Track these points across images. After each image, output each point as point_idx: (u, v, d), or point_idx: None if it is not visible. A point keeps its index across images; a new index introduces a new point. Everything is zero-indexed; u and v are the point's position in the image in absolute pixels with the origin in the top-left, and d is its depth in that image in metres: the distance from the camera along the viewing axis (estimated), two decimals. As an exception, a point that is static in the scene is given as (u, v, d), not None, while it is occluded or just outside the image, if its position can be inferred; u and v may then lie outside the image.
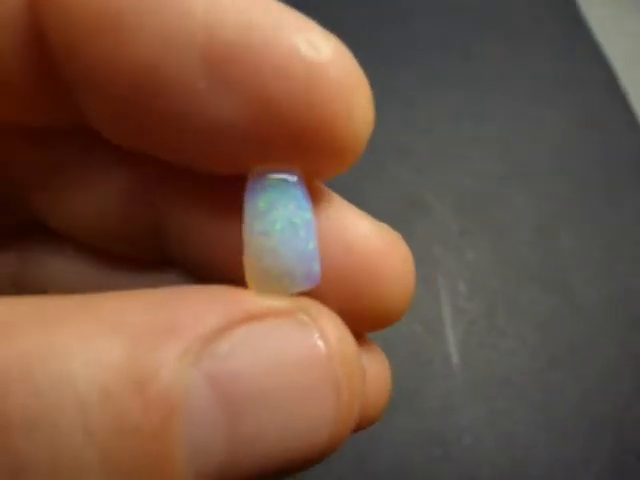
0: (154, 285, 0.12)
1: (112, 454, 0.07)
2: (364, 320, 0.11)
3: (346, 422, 0.09)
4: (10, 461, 0.07)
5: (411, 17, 0.42)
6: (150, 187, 0.12)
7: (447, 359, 0.29)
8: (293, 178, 0.10)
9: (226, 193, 0.11)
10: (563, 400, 0.29)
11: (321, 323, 0.09)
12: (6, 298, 0.08)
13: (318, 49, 0.09)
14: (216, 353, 0.08)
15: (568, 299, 0.31)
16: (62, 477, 0.07)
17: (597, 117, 0.38)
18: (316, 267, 0.10)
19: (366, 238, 0.11)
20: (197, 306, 0.08)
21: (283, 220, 0.10)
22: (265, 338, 0.08)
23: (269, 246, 0.10)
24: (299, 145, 0.09)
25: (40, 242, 0.14)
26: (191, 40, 0.08)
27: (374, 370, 0.12)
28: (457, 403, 0.28)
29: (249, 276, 0.10)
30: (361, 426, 0.12)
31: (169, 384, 0.08)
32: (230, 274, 0.11)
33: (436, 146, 0.36)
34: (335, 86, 0.09)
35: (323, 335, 0.09)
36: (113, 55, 0.09)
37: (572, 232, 0.33)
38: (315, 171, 0.10)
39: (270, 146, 0.09)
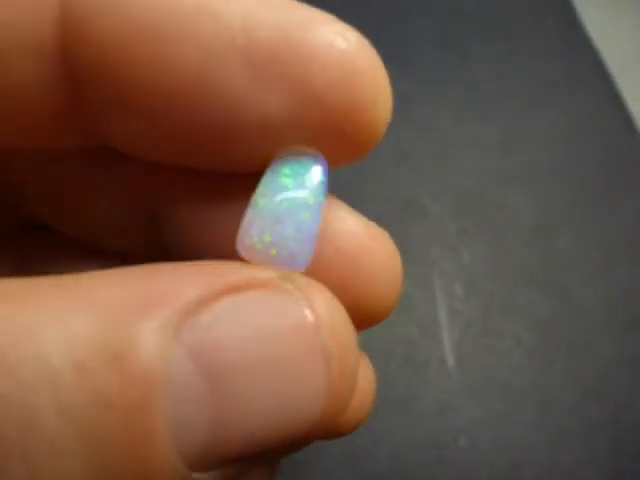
0: None
1: (89, 433, 0.07)
2: (350, 316, 0.11)
3: (338, 398, 0.09)
4: None
5: (410, 18, 0.42)
6: (152, 186, 0.12)
7: (443, 361, 0.29)
8: (319, 161, 0.10)
9: (225, 192, 0.11)
10: (560, 402, 0.28)
11: (308, 292, 0.09)
12: None
13: (348, 40, 0.09)
14: (198, 324, 0.08)
15: (565, 300, 0.31)
16: (35, 458, 0.07)
17: (595, 118, 0.38)
18: (306, 252, 0.10)
19: (353, 234, 0.11)
20: (177, 279, 0.08)
21: (293, 191, 0.10)
22: (249, 308, 0.08)
23: (272, 211, 0.09)
24: (332, 129, 0.09)
25: (37, 240, 0.14)
26: (232, 45, 0.09)
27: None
28: (453, 405, 0.28)
29: (239, 238, 0.10)
30: (346, 430, 0.12)
31: (148, 357, 0.07)
32: None
33: (434, 147, 0.36)
34: (365, 73, 0.09)
35: (310, 304, 0.08)
36: (152, 72, 0.09)
37: (570, 233, 0.33)
38: (338, 156, 0.10)
39: (307, 133, 0.09)
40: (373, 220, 0.35)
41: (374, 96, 0.10)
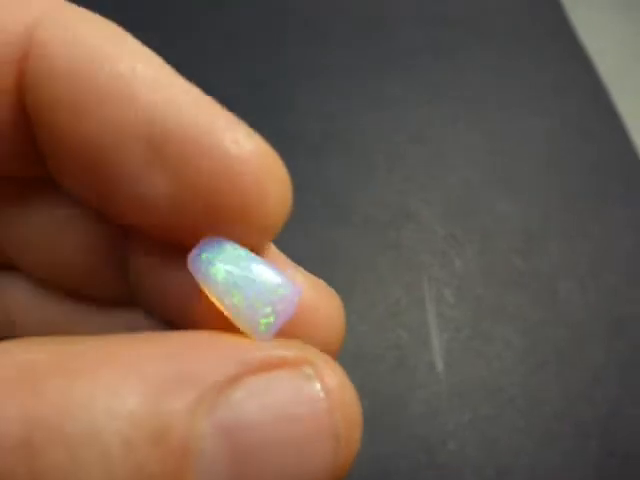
0: (121, 323, 0.14)
1: None
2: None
3: (343, 468, 0.10)
4: None
5: (400, 26, 0.42)
6: (113, 237, 0.13)
7: (433, 365, 0.29)
8: (221, 242, 0.11)
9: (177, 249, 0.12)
10: (548, 405, 0.29)
11: (324, 375, 0.10)
12: (21, 341, 0.08)
13: (241, 146, 0.10)
14: (227, 403, 0.09)
15: (554, 305, 0.31)
16: None
17: (585, 124, 0.38)
18: (287, 289, 0.11)
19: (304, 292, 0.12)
20: (211, 355, 0.09)
21: (229, 263, 0.11)
22: (273, 389, 0.09)
23: (244, 302, 0.10)
24: (219, 221, 0.11)
25: (9, 279, 0.15)
26: (137, 129, 0.10)
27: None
28: (442, 409, 0.28)
29: (236, 321, 0.10)
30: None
31: (184, 433, 0.08)
32: (188, 318, 0.12)
33: (424, 153, 0.36)
34: (251, 176, 0.10)
35: (325, 388, 0.09)
36: (73, 132, 0.10)
37: (559, 239, 0.34)
38: (239, 240, 0.11)
39: (193, 219, 0.11)
40: (365, 224, 0.35)
41: (261, 196, 0.10)
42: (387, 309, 0.31)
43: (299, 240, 0.32)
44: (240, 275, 0.10)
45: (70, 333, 0.14)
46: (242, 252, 0.11)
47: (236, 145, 0.10)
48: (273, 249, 0.12)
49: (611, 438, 0.28)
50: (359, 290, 0.30)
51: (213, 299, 0.11)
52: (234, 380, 0.09)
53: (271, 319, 0.10)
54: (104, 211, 0.12)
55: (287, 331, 0.11)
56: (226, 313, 0.11)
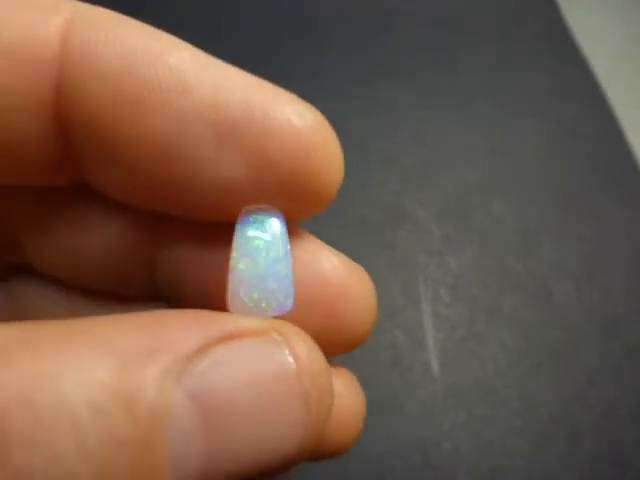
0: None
1: (103, 467, 0.08)
2: (333, 343, 0.13)
3: (315, 432, 0.10)
4: (8, 476, 0.08)
5: (399, 28, 0.42)
6: (141, 232, 0.13)
7: (428, 365, 0.29)
8: (277, 216, 0.11)
9: (213, 233, 0.13)
10: (543, 407, 0.29)
11: (292, 341, 0.10)
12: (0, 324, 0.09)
13: (304, 118, 0.11)
14: (196, 371, 0.09)
15: (550, 306, 0.31)
16: None
17: (581, 126, 0.38)
18: (290, 295, 0.11)
19: (336, 271, 0.13)
20: (178, 328, 0.09)
21: (265, 250, 0.11)
22: (240, 356, 0.09)
23: (253, 272, 0.11)
24: (287, 193, 0.11)
25: (28, 282, 0.15)
26: (201, 119, 0.10)
27: (346, 397, 0.13)
28: (437, 409, 0.28)
29: (230, 300, 0.11)
30: (334, 453, 0.14)
31: (154, 401, 0.08)
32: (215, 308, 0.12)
33: (421, 154, 0.36)
34: (317, 148, 0.11)
35: (293, 352, 0.10)
36: (132, 136, 0.10)
37: (554, 240, 0.34)
38: (295, 213, 0.12)
39: (264, 195, 0.11)
40: (361, 224, 0.35)
41: (324, 167, 0.11)
42: (383, 309, 0.30)
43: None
44: (265, 264, 0.11)
45: None
46: (281, 242, 0.11)
47: (299, 117, 0.11)
48: (311, 237, 0.13)
49: (606, 440, 0.28)
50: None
51: (231, 258, 0.11)
52: (201, 350, 0.09)
53: (255, 309, 0.11)
54: (153, 207, 0.12)
55: (323, 309, 0.12)
56: (228, 279, 0.11)
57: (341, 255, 0.13)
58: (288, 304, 0.11)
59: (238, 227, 0.11)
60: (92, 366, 0.08)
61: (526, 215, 0.34)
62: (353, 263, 0.13)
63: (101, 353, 0.08)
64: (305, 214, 0.12)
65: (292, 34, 0.41)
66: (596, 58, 0.41)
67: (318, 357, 0.10)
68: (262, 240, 0.11)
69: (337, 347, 0.13)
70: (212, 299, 0.12)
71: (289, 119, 0.11)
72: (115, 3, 0.12)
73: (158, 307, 0.15)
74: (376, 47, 0.41)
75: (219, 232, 0.12)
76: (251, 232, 0.11)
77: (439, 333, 0.30)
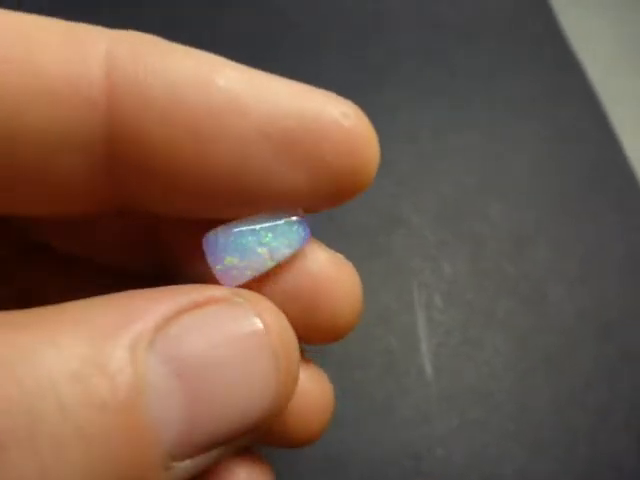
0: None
1: (85, 427, 0.08)
2: (317, 333, 0.13)
3: (286, 385, 0.11)
4: None
5: (396, 31, 0.42)
6: (155, 225, 0.14)
7: (422, 370, 0.29)
8: (298, 220, 0.12)
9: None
10: (538, 411, 0.29)
11: (258, 305, 0.11)
12: None
13: (349, 117, 0.11)
14: (167, 337, 0.09)
15: (544, 311, 0.31)
16: (42, 450, 0.08)
17: (577, 129, 0.38)
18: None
19: (323, 265, 0.13)
20: (149, 300, 0.10)
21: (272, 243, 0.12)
22: (209, 320, 0.10)
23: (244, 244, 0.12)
24: (336, 188, 0.12)
25: (40, 260, 0.16)
26: (261, 136, 0.10)
27: (314, 386, 0.14)
28: (431, 414, 0.28)
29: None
30: (302, 441, 0.14)
31: (128, 366, 0.09)
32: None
33: (416, 158, 0.36)
34: (364, 143, 0.11)
35: (259, 314, 0.10)
36: (190, 162, 0.10)
37: (549, 244, 0.34)
38: (330, 203, 0.12)
39: (319, 194, 0.12)
40: (355, 229, 0.35)
41: (370, 159, 0.12)
42: (377, 314, 0.30)
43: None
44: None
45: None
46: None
47: (345, 117, 0.11)
48: None
49: (600, 444, 0.28)
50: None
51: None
52: (170, 318, 0.10)
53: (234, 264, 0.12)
54: (193, 216, 0.12)
55: (308, 301, 0.12)
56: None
57: (326, 249, 0.13)
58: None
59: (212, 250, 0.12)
60: (68, 341, 0.09)
61: (521, 220, 0.34)
62: (339, 256, 0.13)
63: (75, 329, 0.09)
64: (338, 203, 0.12)
65: (291, 35, 0.41)
66: (592, 62, 0.41)
67: (281, 317, 0.11)
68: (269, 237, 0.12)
69: (321, 337, 0.13)
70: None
71: (337, 120, 0.11)
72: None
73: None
74: (373, 50, 0.41)
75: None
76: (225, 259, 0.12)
77: (433, 338, 0.30)
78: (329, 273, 0.13)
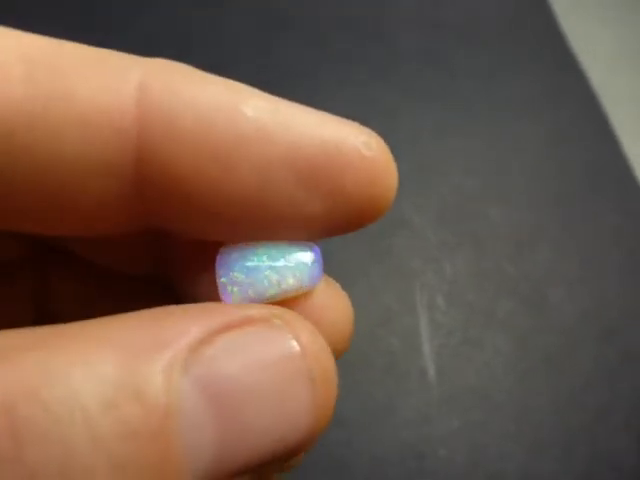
0: (142, 292, 0.15)
1: (117, 457, 0.08)
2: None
3: (323, 411, 0.10)
4: (22, 472, 0.08)
5: (396, 33, 0.43)
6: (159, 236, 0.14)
7: (424, 371, 0.29)
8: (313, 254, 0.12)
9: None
10: (538, 412, 0.29)
11: (294, 325, 0.10)
12: (5, 330, 0.09)
13: (371, 147, 0.11)
14: (201, 360, 0.09)
15: (545, 312, 0.32)
16: None
17: (576, 132, 0.39)
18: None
19: (317, 291, 0.13)
20: (181, 321, 0.10)
21: (283, 271, 0.12)
22: (244, 343, 0.10)
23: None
24: (355, 216, 0.12)
25: (56, 258, 0.16)
26: (284, 163, 0.11)
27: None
28: (433, 415, 0.28)
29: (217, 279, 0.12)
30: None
31: (162, 391, 0.09)
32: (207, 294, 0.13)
33: (417, 159, 0.36)
34: (384, 173, 0.12)
35: (296, 335, 0.10)
36: (216, 189, 0.11)
37: (549, 246, 0.34)
38: (350, 229, 0.12)
39: (335, 224, 0.12)
40: (357, 231, 0.35)
41: (389, 188, 0.12)
42: (379, 315, 0.31)
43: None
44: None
45: (102, 313, 0.15)
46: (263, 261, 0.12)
47: (367, 147, 0.11)
48: None
49: (600, 444, 0.28)
50: (351, 296, 0.30)
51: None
52: (205, 340, 0.09)
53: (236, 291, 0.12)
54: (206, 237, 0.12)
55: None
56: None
57: (324, 277, 0.13)
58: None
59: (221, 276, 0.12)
60: (99, 362, 0.08)
61: (521, 221, 0.35)
62: (335, 285, 0.14)
63: (106, 349, 0.09)
64: (354, 230, 0.13)
65: (292, 38, 0.41)
66: (592, 63, 0.42)
67: (319, 339, 0.11)
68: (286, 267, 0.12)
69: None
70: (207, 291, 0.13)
71: (359, 150, 0.11)
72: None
73: (156, 285, 0.15)
74: (374, 52, 0.41)
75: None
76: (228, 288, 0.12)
77: (435, 339, 0.30)
78: (324, 302, 0.13)
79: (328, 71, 0.40)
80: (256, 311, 0.10)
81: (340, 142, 0.11)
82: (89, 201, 0.11)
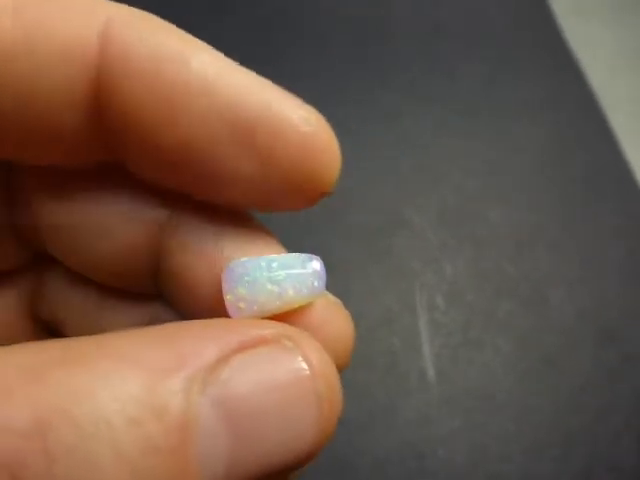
0: (145, 313, 0.16)
1: (140, 471, 0.09)
2: None
3: (329, 426, 0.11)
4: None
5: (397, 36, 0.43)
6: (150, 238, 0.15)
7: (423, 372, 0.29)
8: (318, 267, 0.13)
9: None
10: (538, 412, 0.29)
11: (304, 347, 0.11)
12: (29, 344, 0.09)
13: (309, 123, 0.12)
14: (217, 380, 0.10)
15: (545, 312, 0.32)
16: None
17: (577, 134, 0.39)
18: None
19: (319, 306, 0.13)
20: (198, 340, 0.10)
21: (285, 281, 0.12)
22: (258, 364, 0.10)
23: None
24: (291, 189, 0.12)
25: (52, 269, 0.16)
26: (221, 118, 0.12)
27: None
28: (433, 415, 0.28)
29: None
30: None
31: (182, 410, 0.09)
32: (204, 310, 0.14)
33: (418, 161, 0.37)
34: (318, 149, 0.12)
35: (306, 358, 0.11)
36: (162, 128, 0.12)
37: (549, 247, 0.34)
38: (293, 205, 0.13)
39: (270, 188, 0.12)
40: (358, 231, 0.35)
41: (326, 168, 0.12)
42: (379, 316, 0.31)
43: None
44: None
45: (100, 322, 0.16)
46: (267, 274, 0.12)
47: (305, 122, 0.12)
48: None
49: (599, 445, 0.28)
50: (351, 296, 0.31)
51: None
52: (221, 360, 0.10)
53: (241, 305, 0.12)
54: (176, 186, 0.13)
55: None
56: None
57: (325, 292, 0.14)
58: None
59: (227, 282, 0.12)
60: (123, 381, 0.09)
61: (521, 222, 0.35)
62: (336, 301, 0.14)
63: (129, 368, 0.09)
64: (300, 207, 0.13)
65: (293, 40, 0.41)
66: (592, 66, 0.42)
67: (327, 361, 0.11)
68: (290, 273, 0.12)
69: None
70: (203, 304, 0.14)
71: (296, 124, 0.12)
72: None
73: (159, 304, 0.16)
74: (375, 54, 0.41)
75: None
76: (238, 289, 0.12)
77: (435, 339, 0.30)
78: (326, 317, 0.13)
79: (328, 72, 0.40)
80: (269, 331, 0.11)
81: (278, 111, 0.12)
82: (50, 128, 0.12)
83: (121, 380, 0.09)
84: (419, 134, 0.38)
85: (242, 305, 0.12)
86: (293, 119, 0.12)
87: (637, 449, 0.28)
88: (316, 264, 0.13)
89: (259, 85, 0.12)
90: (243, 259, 0.12)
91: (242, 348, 0.10)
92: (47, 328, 0.17)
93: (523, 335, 0.31)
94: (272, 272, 0.12)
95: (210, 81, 0.12)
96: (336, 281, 0.31)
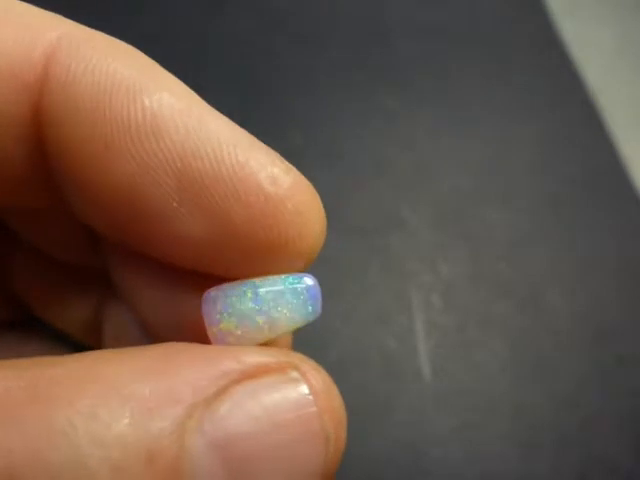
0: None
1: None
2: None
3: (332, 468, 0.10)
4: None
5: (394, 37, 0.43)
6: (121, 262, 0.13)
7: (419, 372, 0.29)
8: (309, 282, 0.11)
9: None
10: (533, 413, 0.29)
11: (310, 378, 0.10)
12: (3, 365, 0.08)
13: (278, 184, 0.10)
14: (216, 416, 0.09)
15: (540, 313, 0.32)
16: None
17: (573, 134, 0.39)
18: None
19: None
20: (193, 368, 0.09)
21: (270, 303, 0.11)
22: (260, 397, 0.09)
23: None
24: (252, 258, 0.10)
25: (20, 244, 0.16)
26: (166, 166, 0.09)
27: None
28: (428, 415, 0.28)
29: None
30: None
31: (175, 453, 0.08)
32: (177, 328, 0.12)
33: (415, 161, 0.37)
34: (289, 214, 0.10)
35: (312, 390, 0.10)
36: (98, 171, 0.10)
37: (546, 247, 0.34)
38: (270, 273, 0.11)
39: (226, 256, 0.10)
40: (353, 231, 0.35)
41: (299, 232, 0.10)
42: (375, 315, 0.31)
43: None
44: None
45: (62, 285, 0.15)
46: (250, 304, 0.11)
47: (273, 183, 0.10)
48: None
49: (594, 445, 0.28)
50: (347, 296, 0.30)
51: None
52: (220, 392, 0.09)
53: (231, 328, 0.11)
54: (127, 242, 0.11)
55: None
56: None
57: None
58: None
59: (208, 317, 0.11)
60: (107, 418, 0.08)
61: (517, 222, 0.35)
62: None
63: (115, 401, 0.08)
64: (278, 273, 0.11)
65: (291, 43, 0.41)
66: (588, 66, 0.42)
67: (334, 392, 0.10)
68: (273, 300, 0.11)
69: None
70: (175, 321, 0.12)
71: (259, 184, 0.10)
72: None
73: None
74: (373, 56, 0.41)
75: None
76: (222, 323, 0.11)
77: (430, 339, 0.30)
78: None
79: (326, 73, 0.40)
80: (272, 359, 0.10)
81: (238, 165, 0.10)
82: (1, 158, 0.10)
83: (107, 417, 0.08)
84: (415, 133, 0.38)
85: (231, 339, 0.11)
86: (259, 177, 0.10)
87: (632, 450, 0.28)
88: (309, 283, 0.11)
89: (226, 133, 0.10)
90: (223, 286, 0.11)
91: (243, 378, 0.09)
92: (16, 301, 0.16)
93: (519, 335, 0.31)
94: (259, 303, 0.10)
95: (160, 123, 0.09)
96: (332, 281, 0.31)
